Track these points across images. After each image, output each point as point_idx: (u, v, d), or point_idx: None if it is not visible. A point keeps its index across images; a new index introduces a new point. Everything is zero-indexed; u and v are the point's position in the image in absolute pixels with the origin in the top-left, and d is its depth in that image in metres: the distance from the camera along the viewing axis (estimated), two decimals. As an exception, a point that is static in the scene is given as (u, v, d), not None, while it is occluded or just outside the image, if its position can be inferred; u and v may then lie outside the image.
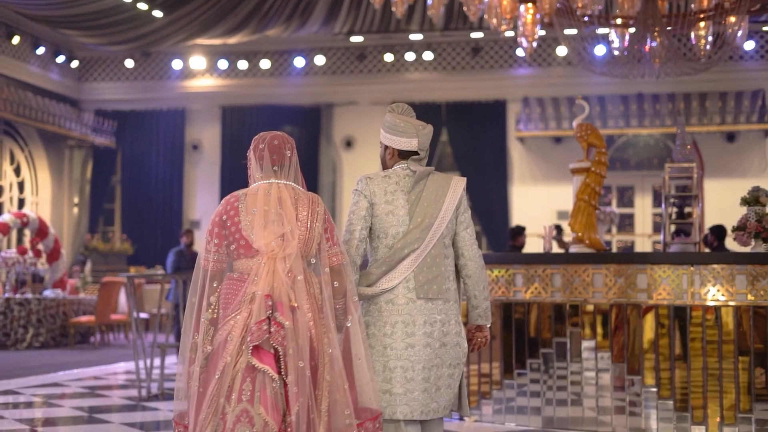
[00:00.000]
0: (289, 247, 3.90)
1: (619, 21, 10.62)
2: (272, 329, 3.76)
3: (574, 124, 8.20)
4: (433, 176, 4.42)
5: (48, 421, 7.78)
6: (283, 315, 3.79)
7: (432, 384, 4.25)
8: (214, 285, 3.98)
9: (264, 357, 3.75)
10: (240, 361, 3.77)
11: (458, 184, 4.44)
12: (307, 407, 3.76)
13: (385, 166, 4.52)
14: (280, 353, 3.77)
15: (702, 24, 10.68)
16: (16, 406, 8.54)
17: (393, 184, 4.35)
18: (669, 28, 10.56)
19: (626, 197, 19.27)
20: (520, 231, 13.61)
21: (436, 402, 4.27)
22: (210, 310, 3.94)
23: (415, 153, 4.42)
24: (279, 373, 3.77)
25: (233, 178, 19.76)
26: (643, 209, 19.04)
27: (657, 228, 18.39)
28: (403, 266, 4.27)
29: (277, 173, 4.07)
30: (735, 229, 7.35)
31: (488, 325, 4.50)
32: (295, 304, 3.83)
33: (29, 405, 8.67)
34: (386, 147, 4.48)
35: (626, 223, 19.08)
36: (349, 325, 4.07)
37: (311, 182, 20.12)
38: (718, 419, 6.90)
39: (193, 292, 4.02)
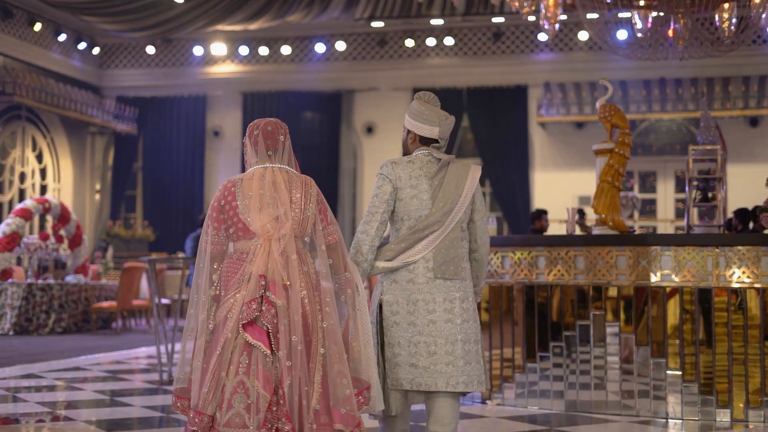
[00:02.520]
0: (283, 229, 4.14)
1: (642, 3, 10.51)
2: (263, 308, 4.03)
3: (598, 104, 8.13)
4: (454, 164, 4.63)
5: (70, 404, 7.80)
6: (275, 294, 4.05)
7: (458, 358, 4.43)
8: (215, 266, 4.25)
9: (257, 333, 4.02)
10: (239, 337, 4.04)
11: (476, 172, 4.66)
12: (299, 380, 3.99)
13: (405, 150, 4.74)
14: (270, 331, 4.02)
15: (726, 6, 10.56)
16: (38, 389, 8.56)
17: (417, 169, 4.56)
18: (692, 10, 10.44)
19: (648, 183, 19.16)
20: (539, 214, 13.48)
21: (466, 375, 4.44)
22: (213, 288, 4.23)
23: (435, 141, 4.63)
24: (271, 348, 4.02)
25: (254, 164, 19.74)
26: (666, 195, 18.92)
27: (679, 213, 18.29)
28: (421, 245, 4.49)
29: (272, 158, 4.31)
30: (761, 211, 7.27)
31: (479, 302, 4.83)
32: (288, 283, 4.08)
33: (51, 388, 8.70)
34: (408, 132, 4.69)
35: (648, 208, 18.97)
36: (344, 298, 4.32)
37: (332, 168, 20.21)
38: (742, 403, 6.84)
39: (197, 274, 4.29)
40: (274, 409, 3.97)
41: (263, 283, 4.05)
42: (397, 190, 4.51)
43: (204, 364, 4.07)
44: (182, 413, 4.21)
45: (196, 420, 4.02)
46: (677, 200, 18.67)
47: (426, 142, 4.63)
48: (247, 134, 4.38)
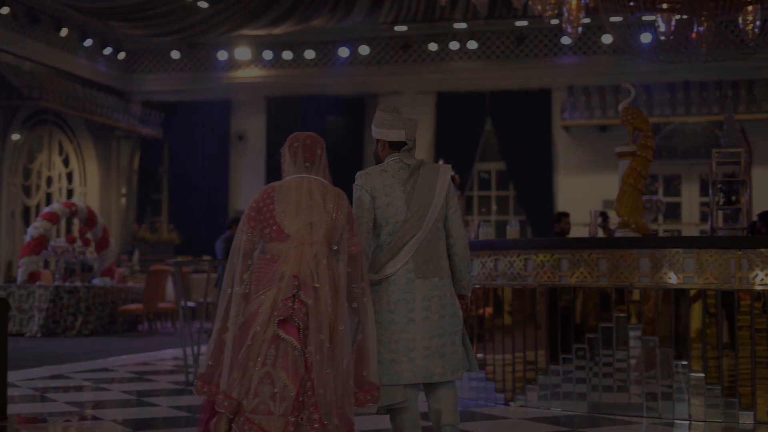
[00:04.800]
0: (316, 235, 4.46)
1: (665, 6, 10.50)
2: (296, 306, 4.33)
3: (620, 108, 8.14)
4: (424, 167, 4.91)
5: (97, 404, 7.90)
6: (306, 294, 4.36)
7: (434, 352, 4.76)
8: (248, 263, 4.53)
9: (289, 329, 4.32)
10: (268, 331, 4.34)
11: (446, 172, 4.93)
12: (325, 374, 4.29)
13: (378, 160, 5.02)
14: (301, 327, 4.32)
15: (750, 8, 10.53)
16: (66, 390, 8.65)
17: (389, 177, 4.85)
18: (716, 12, 10.42)
19: (673, 186, 19.11)
20: (559, 217, 13.41)
21: (442, 367, 4.77)
22: (243, 286, 4.50)
23: (404, 144, 4.91)
24: (300, 343, 4.32)
25: (278, 167, 19.62)
26: (690, 198, 18.87)
27: (704, 217, 18.22)
28: (404, 251, 4.79)
29: (309, 169, 4.64)
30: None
31: (469, 295, 5.06)
32: (317, 285, 4.39)
33: (79, 389, 8.79)
34: (378, 141, 5.00)
35: (673, 212, 18.91)
36: (357, 305, 4.60)
37: (355, 172, 20.20)
38: (766, 406, 6.83)
39: (229, 270, 4.56)
40: (302, 399, 4.27)
41: (296, 283, 4.35)
42: (373, 199, 4.79)
43: (233, 354, 4.35)
44: (207, 396, 4.46)
45: (225, 403, 4.31)
46: (702, 203, 18.60)
47: (396, 147, 4.93)
48: (286, 145, 4.69)
